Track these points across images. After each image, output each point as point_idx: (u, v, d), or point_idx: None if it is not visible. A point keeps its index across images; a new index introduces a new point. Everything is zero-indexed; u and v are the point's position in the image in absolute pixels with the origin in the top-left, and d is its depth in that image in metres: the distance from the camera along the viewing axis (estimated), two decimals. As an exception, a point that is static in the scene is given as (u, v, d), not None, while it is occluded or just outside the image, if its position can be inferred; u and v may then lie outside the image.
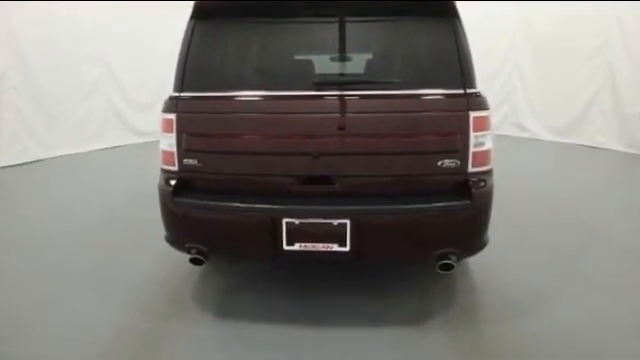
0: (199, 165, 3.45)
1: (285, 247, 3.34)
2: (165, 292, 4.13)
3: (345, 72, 3.75)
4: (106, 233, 5.54)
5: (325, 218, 3.30)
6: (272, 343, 3.37)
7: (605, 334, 3.44)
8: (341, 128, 3.32)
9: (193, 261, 3.52)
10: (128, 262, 4.71)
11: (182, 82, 3.52)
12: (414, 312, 3.74)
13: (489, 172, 3.45)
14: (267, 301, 3.92)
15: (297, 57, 3.78)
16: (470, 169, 3.32)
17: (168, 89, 3.64)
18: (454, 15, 3.44)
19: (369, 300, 3.90)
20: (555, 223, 5.72)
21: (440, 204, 3.28)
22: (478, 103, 3.33)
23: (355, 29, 3.55)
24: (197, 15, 3.58)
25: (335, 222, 3.28)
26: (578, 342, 3.35)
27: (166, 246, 3.72)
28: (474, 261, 4.34)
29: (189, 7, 3.63)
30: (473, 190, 3.29)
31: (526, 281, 4.21)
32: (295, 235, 3.32)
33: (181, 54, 3.55)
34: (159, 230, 3.70)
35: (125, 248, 5.08)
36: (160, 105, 3.58)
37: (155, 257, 4.69)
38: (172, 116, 3.46)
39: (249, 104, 3.50)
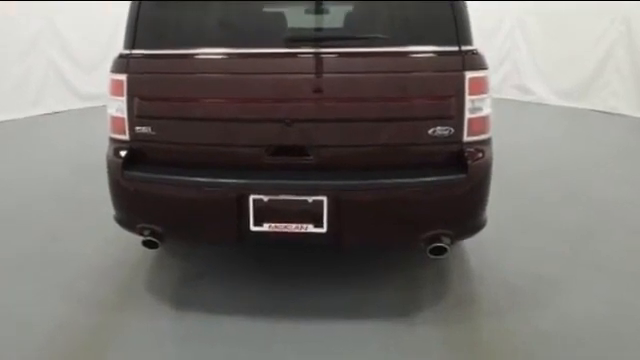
0: (153, 133, 3.42)
1: (252, 228, 3.32)
2: (115, 280, 4.11)
3: (322, 26, 3.76)
4: (46, 212, 5.48)
5: (299, 194, 3.29)
6: (237, 338, 3.37)
7: (621, 327, 3.46)
8: (317, 91, 3.30)
9: (146, 244, 3.52)
10: (71, 246, 4.67)
11: (134, 37, 3.47)
12: (401, 303, 3.75)
13: (487, 141, 3.45)
14: (231, 290, 3.92)
15: (266, 9, 3.75)
16: (465, 138, 3.32)
17: (118, 46, 3.58)
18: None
19: (349, 289, 3.91)
20: (563, 200, 5.77)
21: (431, 178, 3.28)
22: (475, 62, 3.32)
23: None
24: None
25: (310, 199, 3.26)
26: (590, 337, 3.36)
27: (115, 227, 3.70)
28: (470, 244, 4.36)
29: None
30: (469, 162, 3.28)
31: (530, 267, 4.24)
32: (264, 214, 3.30)
33: (132, 5, 3.48)
34: (107, 208, 3.68)
35: (68, 229, 5.03)
36: (108, 64, 3.53)
37: (103, 240, 4.65)
38: (122, 77, 3.42)
39: (212, 63, 3.48)
